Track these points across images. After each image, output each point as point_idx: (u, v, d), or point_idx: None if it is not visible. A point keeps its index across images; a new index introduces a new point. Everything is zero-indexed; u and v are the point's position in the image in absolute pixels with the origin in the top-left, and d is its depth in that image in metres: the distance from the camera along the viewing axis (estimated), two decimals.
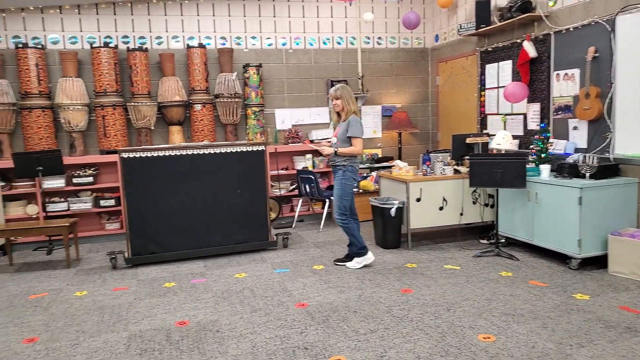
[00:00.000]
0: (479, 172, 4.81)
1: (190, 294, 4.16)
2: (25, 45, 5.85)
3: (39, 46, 5.95)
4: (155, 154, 4.98)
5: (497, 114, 6.17)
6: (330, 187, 6.92)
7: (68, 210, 6.00)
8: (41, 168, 5.55)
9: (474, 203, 5.36)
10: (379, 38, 7.53)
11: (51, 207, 5.92)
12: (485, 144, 5.46)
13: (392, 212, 5.22)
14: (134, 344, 3.25)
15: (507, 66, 5.94)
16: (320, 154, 5.40)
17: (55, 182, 5.91)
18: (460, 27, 6.53)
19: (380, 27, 7.51)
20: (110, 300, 4.09)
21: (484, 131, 6.28)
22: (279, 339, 3.23)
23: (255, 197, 5.30)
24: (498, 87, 6.10)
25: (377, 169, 7.32)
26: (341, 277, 4.43)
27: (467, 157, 5.22)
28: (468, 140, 5.44)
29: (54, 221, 5.23)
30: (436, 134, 7.78)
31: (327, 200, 6.58)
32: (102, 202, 6.08)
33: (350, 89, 4.62)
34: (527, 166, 4.78)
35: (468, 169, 5.02)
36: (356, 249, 4.68)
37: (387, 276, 4.42)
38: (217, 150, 5.16)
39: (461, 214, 5.33)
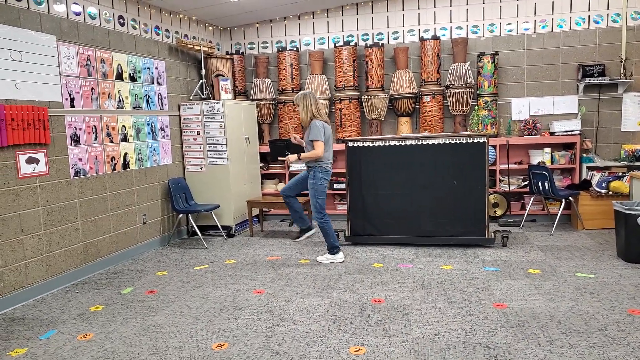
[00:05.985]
0: None
1: (393, 277, 4.35)
2: (284, 49, 6.89)
3: (294, 48, 6.93)
4: (376, 143, 5.30)
5: None
6: (571, 186, 6.17)
7: None
8: (289, 153, 6.49)
9: None
10: None
11: None
12: None
13: (639, 220, 4.38)
14: (332, 310, 3.61)
15: None
16: None
17: (299, 165, 6.82)
18: None
19: None
20: (324, 271, 4.58)
21: None
22: (463, 333, 3.15)
23: (472, 190, 5.13)
24: None
25: (639, 167, 6.16)
26: (557, 285, 3.97)
27: None
28: None
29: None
30: None
31: (564, 200, 5.88)
32: (335, 185, 6.77)
33: (314, 95, 4.92)
34: None
35: None
36: (329, 246, 4.90)
37: (617, 292, 3.77)
38: (435, 142, 5.17)
39: None
